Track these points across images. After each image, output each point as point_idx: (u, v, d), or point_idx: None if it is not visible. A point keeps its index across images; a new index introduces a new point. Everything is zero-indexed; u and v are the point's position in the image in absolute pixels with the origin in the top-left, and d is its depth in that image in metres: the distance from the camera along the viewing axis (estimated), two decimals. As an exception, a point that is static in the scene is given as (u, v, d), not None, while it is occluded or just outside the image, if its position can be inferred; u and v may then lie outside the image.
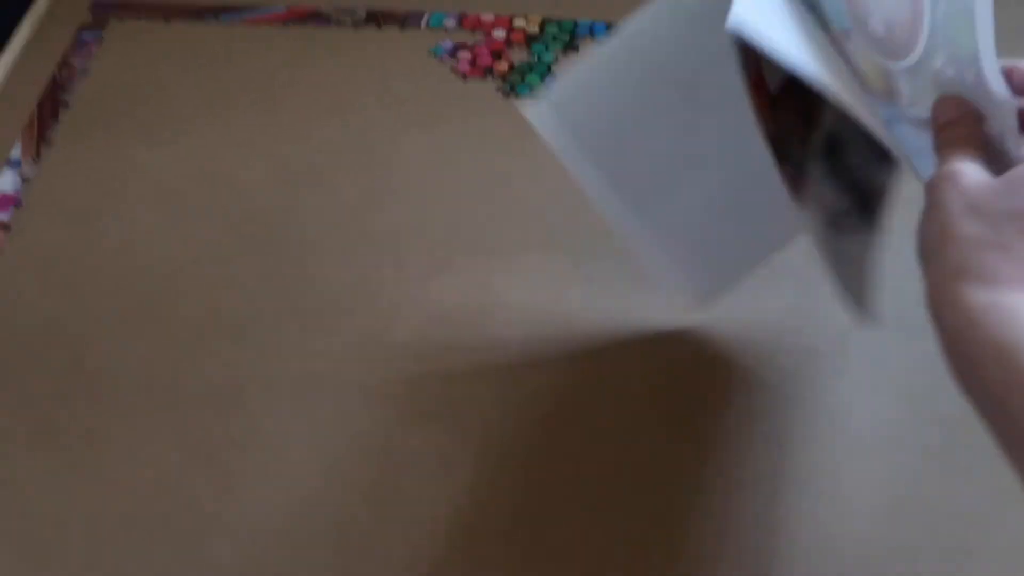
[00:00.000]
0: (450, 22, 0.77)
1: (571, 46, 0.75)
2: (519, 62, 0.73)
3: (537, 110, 0.47)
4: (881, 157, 0.43)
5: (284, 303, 0.59)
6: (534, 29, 0.76)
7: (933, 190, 0.34)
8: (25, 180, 0.64)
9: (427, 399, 0.54)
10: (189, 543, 0.48)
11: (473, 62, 0.73)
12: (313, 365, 0.56)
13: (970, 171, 0.33)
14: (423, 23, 0.77)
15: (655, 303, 0.58)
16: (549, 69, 0.73)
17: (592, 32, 0.76)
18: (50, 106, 0.69)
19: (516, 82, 0.72)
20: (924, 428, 0.52)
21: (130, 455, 0.51)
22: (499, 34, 0.76)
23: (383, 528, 0.49)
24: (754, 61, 0.40)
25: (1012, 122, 0.35)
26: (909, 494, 0.50)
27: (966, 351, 0.30)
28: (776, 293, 0.58)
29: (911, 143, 0.39)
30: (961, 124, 0.35)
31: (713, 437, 0.52)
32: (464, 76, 0.73)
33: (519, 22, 0.77)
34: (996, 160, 0.35)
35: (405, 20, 0.77)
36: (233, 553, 0.48)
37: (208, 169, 0.66)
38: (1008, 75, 0.35)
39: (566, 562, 0.48)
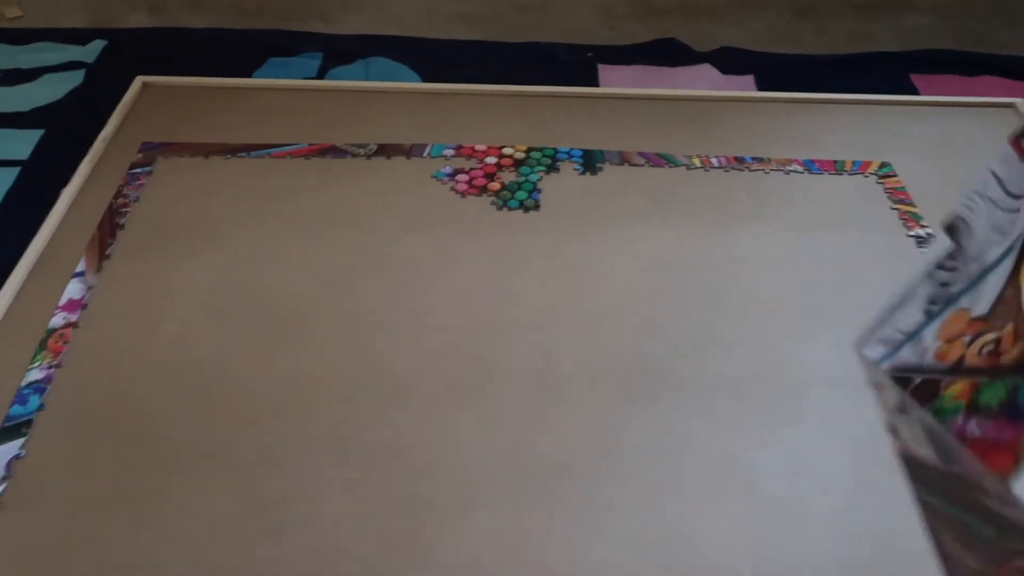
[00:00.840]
0: (449, 152, 0.90)
1: (552, 167, 0.88)
2: (509, 182, 0.86)
3: None
4: None
5: (315, 382, 0.68)
6: (520, 155, 0.90)
7: None
8: (89, 287, 0.74)
9: (435, 448, 0.63)
10: (244, 581, 0.56)
11: (470, 183, 0.86)
12: (342, 432, 0.65)
13: None
14: (426, 153, 0.90)
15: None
16: (535, 187, 0.86)
17: (570, 156, 0.90)
18: (108, 227, 0.80)
19: (507, 198, 0.85)
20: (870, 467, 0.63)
21: (190, 510, 0.59)
22: (491, 160, 0.89)
23: (408, 567, 0.57)
24: None
25: None
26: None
27: None
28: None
29: None
30: None
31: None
32: (462, 194, 0.85)
33: (508, 150, 0.90)
34: None
35: (410, 151, 0.90)
36: (283, 588, 0.56)
37: (245, 277, 0.76)
38: None
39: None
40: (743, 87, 1.06)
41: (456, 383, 0.68)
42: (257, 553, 0.57)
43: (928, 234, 0.82)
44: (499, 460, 0.63)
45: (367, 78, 1.05)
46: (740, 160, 0.90)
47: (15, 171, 0.90)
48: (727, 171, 0.89)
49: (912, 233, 0.82)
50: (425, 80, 1.06)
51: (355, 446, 0.64)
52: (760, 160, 0.90)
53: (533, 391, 0.68)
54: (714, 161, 0.90)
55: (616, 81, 1.06)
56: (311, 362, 0.69)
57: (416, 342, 0.71)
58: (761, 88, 1.06)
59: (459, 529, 0.59)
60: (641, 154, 0.91)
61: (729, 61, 1.11)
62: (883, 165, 0.90)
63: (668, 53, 1.13)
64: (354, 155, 0.90)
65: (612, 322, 0.73)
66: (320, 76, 1.06)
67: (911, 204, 0.85)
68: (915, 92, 1.07)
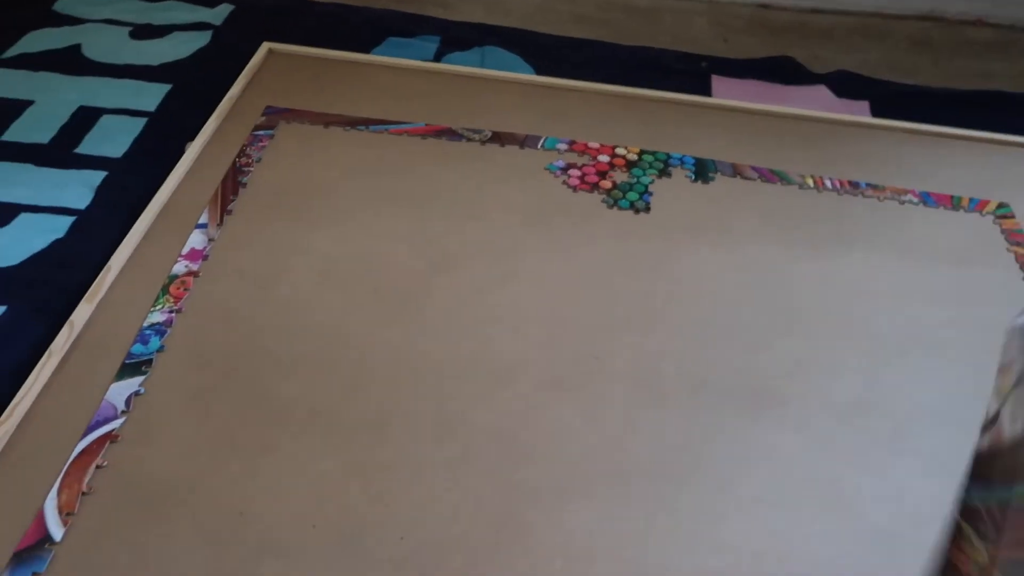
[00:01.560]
0: (562, 146, 0.91)
1: (664, 172, 0.88)
2: (621, 182, 0.87)
3: None
4: None
5: (422, 358, 0.69)
6: (633, 156, 0.90)
7: None
8: (210, 240, 0.76)
9: (538, 435, 0.63)
10: (346, 539, 0.57)
11: (582, 179, 0.87)
12: (447, 409, 0.65)
13: None
14: (539, 145, 0.91)
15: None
16: (646, 189, 0.86)
17: (682, 162, 0.89)
18: (232, 184, 0.82)
19: (618, 197, 0.85)
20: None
21: (297, 467, 0.61)
22: (603, 158, 0.89)
23: (506, 547, 0.57)
24: None
25: None
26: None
27: None
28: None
29: None
30: None
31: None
32: (574, 189, 0.86)
33: (620, 150, 0.91)
34: None
35: (524, 141, 0.91)
36: (382, 550, 0.56)
37: (358, 248, 0.78)
38: None
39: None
40: (858, 112, 1.05)
41: (560, 375, 0.68)
42: (358, 515, 0.58)
43: (1047, 280, 0.80)
44: (600, 455, 0.63)
45: (482, 65, 1.06)
46: (854, 185, 0.89)
47: (143, 121, 0.93)
48: (840, 194, 0.88)
49: (1029, 277, 0.80)
50: (538, 73, 1.06)
51: (458, 424, 0.64)
52: (875, 187, 0.89)
53: (636, 391, 0.68)
54: (828, 183, 0.89)
55: (729, 93, 1.06)
56: (418, 338, 0.70)
57: (522, 330, 0.72)
58: (876, 115, 1.05)
59: (556, 517, 0.59)
60: (754, 168, 0.90)
61: (845, 85, 1.10)
62: (1001, 205, 0.88)
63: (783, 71, 1.12)
64: (469, 140, 0.91)
65: (717, 333, 0.73)
66: (436, 59, 1.07)
67: (1029, 248, 0.83)
68: (1036, 135, 1.04)
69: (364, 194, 0.83)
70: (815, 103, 1.06)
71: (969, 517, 0.44)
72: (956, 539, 0.44)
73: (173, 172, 0.82)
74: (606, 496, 0.61)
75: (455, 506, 0.59)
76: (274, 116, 0.91)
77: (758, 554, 0.58)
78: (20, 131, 0.90)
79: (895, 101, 1.08)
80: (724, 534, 0.59)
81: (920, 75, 1.18)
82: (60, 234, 0.79)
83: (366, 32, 1.12)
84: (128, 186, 0.84)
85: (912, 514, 0.61)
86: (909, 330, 0.75)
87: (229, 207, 0.80)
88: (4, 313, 0.71)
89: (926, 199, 0.88)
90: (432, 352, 0.69)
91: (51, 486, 0.58)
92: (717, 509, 0.61)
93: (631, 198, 0.85)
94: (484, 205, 0.83)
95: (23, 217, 0.80)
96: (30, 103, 0.94)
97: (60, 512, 0.56)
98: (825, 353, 0.72)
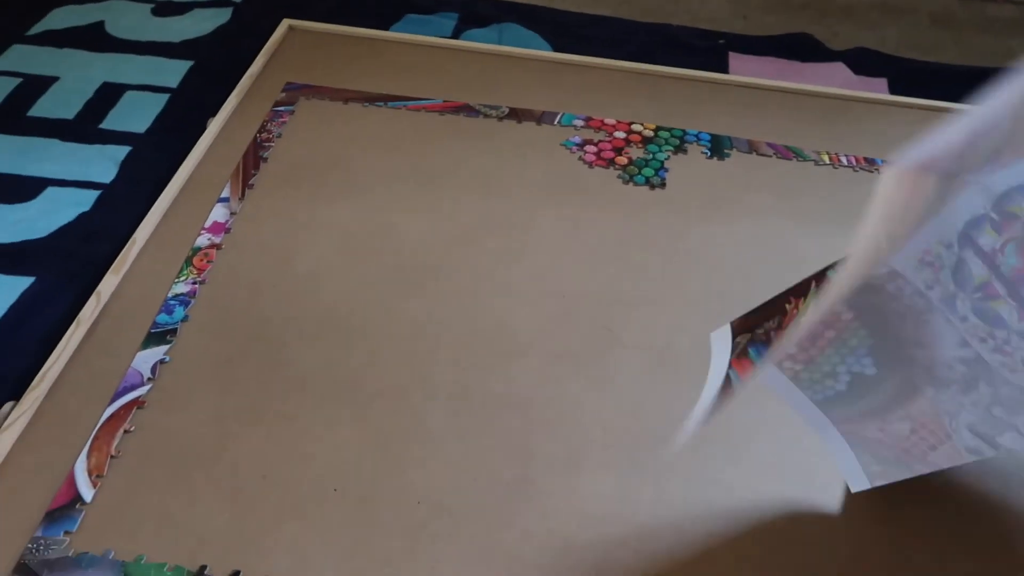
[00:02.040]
0: (579, 122, 0.91)
1: (680, 148, 0.89)
2: (636, 157, 0.87)
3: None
4: None
5: (439, 330, 0.70)
6: (649, 133, 0.91)
7: None
8: (232, 213, 0.78)
9: (552, 405, 0.65)
10: (362, 506, 0.58)
11: (598, 154, 0.87)
12: (462, 379, 0.67)
13: None
14: (556, 121, 0.91)
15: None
16: (662, 165, 0.86)
17: (698, 139, 0.90)
18: (253, 159, 0.84)
19: (633, 173, 0.86)
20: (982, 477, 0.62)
21: (317, 435, 0.62)
22: (620, 134, 0.90)
23: (520, 513, 0.59)
24: None
25: None
26: None
27: None
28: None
29: None
30: None
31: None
32: (590, 165, 0.86)
33: (636, 127, 0.91)
34: None
35: (541, 117, 0.92)
36: (396, 518, 0.58)
37: (377, 222, 0.79)
38: None
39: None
40: (875, 89, 1.05)
41: (574, 347, 0.70)
42: (376, 481, 0.60)
43: (1062, 257, 0.80)
44: (614, 424, 0.64)
45: (500, 42, 1.06)
46: (870, 161, 0.89)
47: (165, 97, 0.94)
48: (856, 171, 0.88)
49: (1044, 254, 0.80)
50: (555, 50, 1.07)
51: (475, 394, 0.66)
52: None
53: (649, 364, 0.69)
54: (843, 160, 0.89)
55: (746, 71, 1.06)
56: (436, 310, 0.72)
57: (537, 303, 0.73)
58: (894, 92, 1.04)
59: (570, 484, 0.61)
60: (770, 144, 0.90)
61: (863, 62, 1.10)
62: (1018, 183, 0.88)
63: (801, 48, 1.12)
64: (486, 116, 0.92)
65: (731, 308, 0.73)
66: (454, 36, 1.08)
67: (1045, 225, 0.83)
68: (1056, 113, 1.03)
69: (382, 169, 0.84)
70: (832, 80, 1.06)
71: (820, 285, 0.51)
72: (800, 292, 0.52)
73: (195, 147, 0.84)
74: (619, 464, 0.62)
75: (471, 473, 0.61)
76: (294, 92, 0.92)
77: (768, 521, 0.59)
78: (46, 107, 0.92)
79: (913, 78, 1.08)
80: (734, 502, 0.60)
81: (941, 52, 1.17)
82: (86, 207, 0.81)
83: (385, 8, 1.13)
84: (152, 161, 0.85)
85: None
86: (922, 306, 0.75)
87: (250, 181, 0.81)
88: (33, 284, 0.73)
89: (942, 176, 0.88)
90: (449, 324, 0.71)
91: (81, 449, 0.60)
92: (728, 479, 0.62)
93: (647, 174, 0.85)
94: (501, 181, 0.84)
95: (50, 191, 0.82)
96: (55, 79, 0.96)
97: (90, 474, 0.58)
98: (837, 328, 0.73)
